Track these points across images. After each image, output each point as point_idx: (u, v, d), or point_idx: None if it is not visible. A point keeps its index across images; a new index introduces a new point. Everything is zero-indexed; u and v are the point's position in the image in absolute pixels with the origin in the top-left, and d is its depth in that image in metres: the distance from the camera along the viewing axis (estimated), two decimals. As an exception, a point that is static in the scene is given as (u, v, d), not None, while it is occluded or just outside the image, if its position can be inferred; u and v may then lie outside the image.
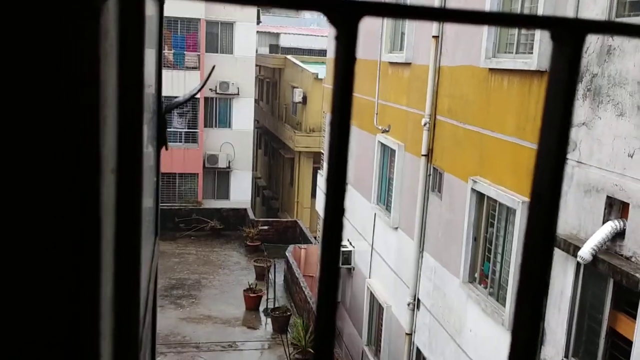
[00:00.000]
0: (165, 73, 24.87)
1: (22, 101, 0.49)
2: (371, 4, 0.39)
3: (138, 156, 0.78)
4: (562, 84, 0.45)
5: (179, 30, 25.66)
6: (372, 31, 13.31)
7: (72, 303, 0.55)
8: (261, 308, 17.76)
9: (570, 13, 6.76)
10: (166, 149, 1.75)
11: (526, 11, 7.99)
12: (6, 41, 0.47)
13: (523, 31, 8.06)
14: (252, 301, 17.74)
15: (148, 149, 1.48)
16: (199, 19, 25.50)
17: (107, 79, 0.59)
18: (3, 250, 0.52)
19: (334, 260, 0.44)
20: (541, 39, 7.30)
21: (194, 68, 25.50)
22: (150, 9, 1.48)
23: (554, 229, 0.47)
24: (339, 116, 0.40)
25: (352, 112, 0.41)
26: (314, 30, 41.79)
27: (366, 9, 0.39)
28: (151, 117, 1.49)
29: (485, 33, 8.58)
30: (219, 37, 26.44)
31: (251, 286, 17.99)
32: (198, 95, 25.36)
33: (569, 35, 0.44)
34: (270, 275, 18.47)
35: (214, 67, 3.52)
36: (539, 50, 7.30)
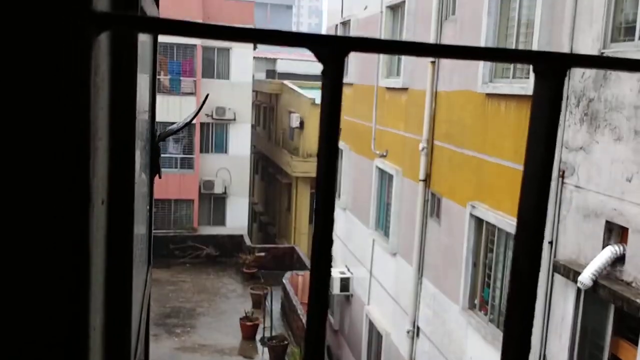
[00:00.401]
0: (162, 98, 24.96)
1: (12, 132, 0.49)
2: (356, 39, 0.41)
3: (130, 187, 0.77)
4: (544, 118, 0.46)
5: (175, 56, 25.82)
6: (368, 57, 13.40)
7: (61, 332, 0.54)
8: (258, 337, 17.53)
9: (565, 39, 6.79)
10: (159, 177, 1.70)
11: (522, 37, 8.05)
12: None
13: (519, 56, 8.11)
14: (249, 330, 17.51)
15: (141, 177, 1.44)
16: (195, 45, 25.69)
17: (97, 112, 0.59)
18: None
19: (324, 287, 0.44)
20: (537, 64, 7.33)
21: (190, 93, 25.60)
22: (143, 35, 1.45)
23: (539, 254, 0.47)
24: (327, 147, 0.41)
25: (338, 142, 0.42)
26: (310, 56, 42.12)
27: (351, 44, 0.40)
28: (145, 145, 1.46)
29: (481, 58, 8.61)
30: (215, 63, 26.60)
31: (247, 314, 17.78)
32: (194, 121, 25.41)
33: (550, 69, 0.45)
34: (267, 303, 18.27)
35: (207, 96, 3.52)
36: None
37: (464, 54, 0.45)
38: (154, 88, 1.76)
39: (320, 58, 0.40)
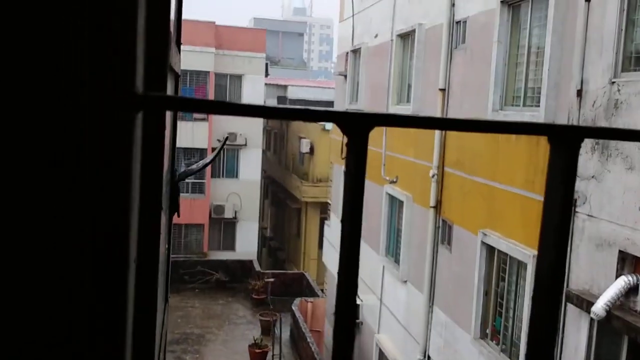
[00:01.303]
0: (174, 125, 25.19)
1: (63, 195, 0.54)
2: (379, 115, 0.44)
3: (156, 245, 0.80)
4: (560, 186, 0.47)
5: (188, 83, 26.11)
6: (379, 83, 13.49)
7: None
8: (267, 363, 17.37)
9: (576, 68, 6.80)
10: (178, 216, 1.72)
11: (532, 66, 8.07)
12: (59, 135, 0.53)
13: (530, 84, 8.13)
14: (258, 357, 17.36)
15: (162, 219, 1.47)
16: (208, 72, 25.98)
17: (134, 177, 0.63)
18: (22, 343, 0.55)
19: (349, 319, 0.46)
20: (547, 93, 7.34)
21: (203, 119, 25.83)
22: (171, 85, 1.48)
23: (556, 323, 0.48)
24: (350, 217, 0.42)
25: (362, 212, 0.44)
26: (321, 83, 42.48)
27: (374, 120, 0.43)
28: (166, 186, 1.48)
29: (492, 86, 8.65)
30: (227, 89, 26.87)
31: (256, 341, 17.64)
32: (206, 146, 25.58)
33: (565, 140, 0.47)
34: (276, 330, 18.14)
35: (227, 138, 3.58)
36: (546, 103, 7.33)
37: (479, 127, 0.47)
38: (175, 127, 1.79)
39: (345, 132, 0.42)
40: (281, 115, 0.42)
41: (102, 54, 0.52)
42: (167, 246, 1.69)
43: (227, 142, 26.56)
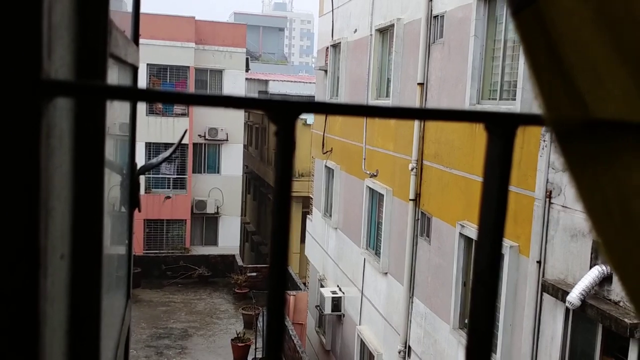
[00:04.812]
0: (155, 120, 25.03)
1: None
2: (304, 103, 0.44)
3: (97, 236, 0.79)
4: (497, 172, 0.48)
5: (168, 78, 25.93)
6: (359, 78, 13.54)
7: None
8: (249, 358, 17.40)
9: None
10: (139, 210, 1.75)
11: (508, 60, 8.18)
12: None
13: (506, 78, 8.24)
14: (240, 351, 17.39)
15: (121, 211, 1.48)
16: (188, 67, 25.83)
17: (53, 171, 0.60)
18: None
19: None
20: (523, 86, 7.45)
21: (183, 114, 25.68)
22: (123, 79, 1.49)
23: (493, 308, 0.48)
24: (279, 200, 0.43)
25: (291, 195, 0.45)
26: (302, 77, 42.42)
27: (300, 108, 0.43)
28: (124, 180, 1.50)
29: (469, 80, 8.75)
30: (207, 84, 26.73)
31: (239, 335, 17.67)
32: (187, 142, 25.47)
33: (501, 128, 0.47)
34: (258, 324, 18.17)
35: (185, 131, 3.59)
36: (522, 95, 7.44)
37: (417, 114, 0.48)
38: (135, 118, 1.80)
39: (273, 120, 0.44)
40: (207, 103, 0.44)
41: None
42: (127, 241, 1.70)
43: (209, 138, 26.44)
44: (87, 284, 0.75)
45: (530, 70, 0.47)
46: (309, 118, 24.51)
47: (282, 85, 37.79)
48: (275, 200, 0.43)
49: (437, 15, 9.99)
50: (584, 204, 0.47)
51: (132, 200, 1.69)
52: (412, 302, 10.71)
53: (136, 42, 1.80)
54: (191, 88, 25.84)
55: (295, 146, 0.44)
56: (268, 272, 0.47)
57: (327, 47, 16.08)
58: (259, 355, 16.98)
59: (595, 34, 0.43)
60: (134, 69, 1.70)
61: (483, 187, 0.50)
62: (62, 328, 0.68)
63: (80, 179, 0.71)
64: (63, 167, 0.65)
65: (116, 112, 1.34)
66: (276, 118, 0.43)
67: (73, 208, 0.71)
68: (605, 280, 6.07)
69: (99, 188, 0.79)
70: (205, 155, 27.07)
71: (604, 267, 6.07)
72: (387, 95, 12.10)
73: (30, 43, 0.50)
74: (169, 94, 0.43)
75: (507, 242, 7.69)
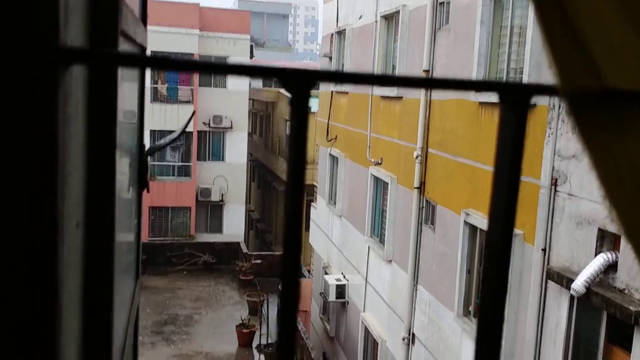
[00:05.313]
0: (160, 107, 25.01)
1: None
2: (320, 72, 0.44)
3: (110, 207, 0.79)
4: (510, 144, 0.48)
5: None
6: (364, 65, 13.48)
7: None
8: (254, 344, 17.51)
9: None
10: (147, 191, 1.75)
11: (514, 46, 8.12)
12: None
13: (512, 64, 8.18)
14: (245, 337, 17.49)
15: (129, 193, 1.48)
16: (193, 54, 25.75)
17: (69, 139, 0.60)
18: None
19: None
20: (529, 72, 7.40)
21: (188, 102, 25.65)
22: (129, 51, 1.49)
23: (506, 280, 0.49)
24: (294, 169, 0.43)
25: (306, 165, 0.44)
26: (306, 65, 42.28)
27: (315, 76, 0.43)
28: (132, 160, 1.50)
29: (475, 67, 8.69)
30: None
31: (244, 321, 17.77)
32: (191, 129, 25.46)
33: (515, 99, 0.47)
34: (263, 310, 18.27)
35: (194, 112, 3.57)
36: (528, 81, 7.36)
37: (430, 84, 0.48)
38: (143, 106, 1.80)
39: (287, 88, 0.43)
40: (219, 71, 0.43)
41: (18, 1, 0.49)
42: (136, 222, 1.71)
43: (213, 125, 26.42)
44: (100, 253, 0.76)
45: (544, 37, 0.47)
46: (314, 105, 24.47)
47: (286, 73, 37.63)
48: (289, 169, 0.43)
49: (443, 2, 9.91)
50: (597, 172, 0.48)
51: (141, 181, 1.69)
52: (416, 290, 10.72)
53: (144, 23, 1.79)
54: (195, 76, 25.80)
55: (309, 116, 0.43)
56: (283, 235, 0.47)
57: (332, 34, 15.99)
58: (264, 341, 17.08)
59: (610, 5, 0.43)
60: (142, 50, 1.69)
61: (496, 159, 0.49)
62: (77, 294, 0.70)
63: (92, 150, 0.71)
64: (78, 135, 0.65)
65: (125, 97, 1.33)
66: (291, 87, 0.43)
67: (87, 177, 0.71)
68: (610, 268, 6.06)
69: (111, 159, 0.79)
70: (210, 142, 27.07)
71: (609, 255, 6.06)
72: (392, 83, 12.04)
73: (49, 11, 0.51)
74: (180, 61, 0.43)
75: (512, 230, 7.67)
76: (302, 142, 0.43)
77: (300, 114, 0.43)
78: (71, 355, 0.66)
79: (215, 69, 0.43)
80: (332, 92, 15.68)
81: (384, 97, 12.37)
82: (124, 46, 1.17)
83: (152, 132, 23.76)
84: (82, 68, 0.68)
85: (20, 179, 0.51)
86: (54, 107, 0.51)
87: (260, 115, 33.19)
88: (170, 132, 25.23)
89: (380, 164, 12.32)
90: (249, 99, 28.62)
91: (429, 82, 0.51)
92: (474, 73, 8.70)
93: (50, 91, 0.50)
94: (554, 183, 6.89)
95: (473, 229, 8.84)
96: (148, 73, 22.98)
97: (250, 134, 31.14)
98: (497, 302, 0.49)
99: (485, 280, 0.49)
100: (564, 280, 6.49)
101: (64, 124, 0.55)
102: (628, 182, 0.46)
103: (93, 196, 0.73)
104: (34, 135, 0.51)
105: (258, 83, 36.25)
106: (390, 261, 11.94)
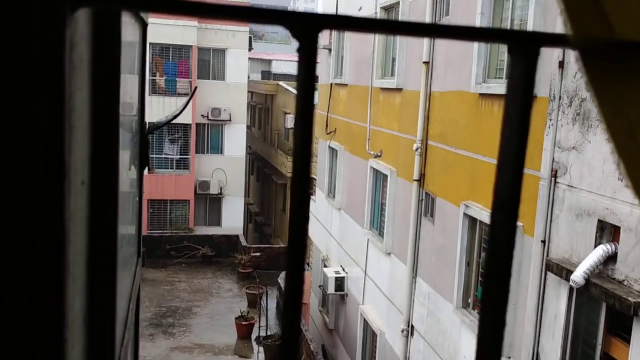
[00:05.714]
0: (157, 99, 24.95)
1: None
2: (329, 16, 0.42)
3: (113, 170, 0.78)
4: (519, 95, 0.47)
5: (170, 57, 25.80)
6: (363, 58, 13.44)
7: (37, 313, 0.54)
8: (253, 336, 17.55)
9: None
10: (149, 170, 1.74)
11: (517, 19, 8.08)
12: None
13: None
14: (244, 329, 17.53)
15: (131, 170, 1.47)
16: (191, 46, 25.67)
17: (74, 91, 0.59)
18: None
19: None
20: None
21: (186, 94, 25.58)
22: (132, 35, 1.48)
23: (514, 238, 0.48)
24: (302, 122, 0.42)
25: (314, 119, 0.43)
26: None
27: (324, 21, 0.42)
28: (134, 137, 1.48)
29: (475, 58, 8.67)
30: (210, 64, 26.60)
31: (243, 314, 17.79)
32: (190, 122, 25.40)
33: (524, 48, 0.45)
34: (262, 303, 18.30)
35: (195, 88, 3.55)
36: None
37: (438, 32, 0.47)
38: (143, 84, 1.79)
39: (295, 35, 0.42)
40: (222, 15, 0.42)
41: None
42: (137, 200, 1.70)
43: (212, 118, 26.37)
44: (105, 213, 0.75)
45: None
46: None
47: (285, 65, 37.58)
48: (297, 122, 0.42)
49: (443, -7, 9.87)
50: (606, 124, 0.47)
51: (142, 158, 1.68)
52: (415, 282, 10.74)
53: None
54: (194, 67, 25.73)
55: (316, 63, 0.42)
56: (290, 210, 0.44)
57: (331, 26, 15.92)
58: (262, 333, 17.11)
59: None
60: (144, 26, 1.67)
61: (505, 111, 0.48)
62: (83, 251, 0.68)
63: (97, 106, 0.70)
64: (83, 90, 0.64)
65: (126, 83, 1.32)
66: (298, 32, 0.41)
67: (91, 133, 0.70)
68: (609, 260, 6.06)
69: (115, 118, 0.78)
70: (209, 135, 27.04)
71: (608, 246, 6.06)
72: (392, 75, 12.01)
73: None
74: (186, 3, 0.42)
75: (511, 222, 7.68)
76: (309, 91, 0.42)
77: (308, 61, 0.42)
78: (77, 302, 0.65)
79: (218, 12, 0.41)
80: (331, 84, 15.64)
81: (383, 89, 12.35)
82: (125, 20, 1.16)
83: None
84: (87, 23, 0.66)
85: (27, 124, 0.50)
86: (60, 50, 0.50)
87: (259, 108, 33.13)
88: (170, 125, 25.21)
89: (379, 156, 12.31)
90: (248, 92, 28.55)
91: (435, 29, 0.49)
92: (474, 65, 8.68)
93: (57, 33, 0.49)
94: (554, 174, 6.89)
95: (472, 220, 8.84)
96: (147, 73, 22.76)
97: (249, 127, 31.10)
98: (499, 298, 0.48)
99: (487, 275, 0.49)
100: (564, 271, 6.49)
101: (70, 71, 0.54)
102: (638, 134, 0.45)
103: (98, 155, 0.72)
104: (42, 77, 0.49)
105: (257, 75, 36.11)
106: (390, 253, 11.95)
